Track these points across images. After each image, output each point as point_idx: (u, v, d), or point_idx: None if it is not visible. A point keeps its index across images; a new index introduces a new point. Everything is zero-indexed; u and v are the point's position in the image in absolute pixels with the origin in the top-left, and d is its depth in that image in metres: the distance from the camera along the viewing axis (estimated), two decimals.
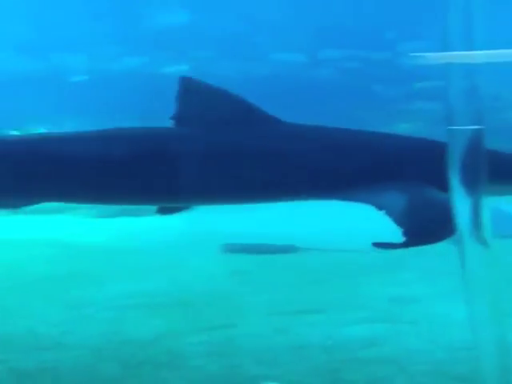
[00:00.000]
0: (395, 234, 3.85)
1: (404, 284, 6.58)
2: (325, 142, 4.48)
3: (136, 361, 4.84)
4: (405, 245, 3.83)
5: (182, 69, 17.55)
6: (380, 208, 4.02)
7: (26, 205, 4.63)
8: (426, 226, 3.89)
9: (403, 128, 16.44)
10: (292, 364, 4.72)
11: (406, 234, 3.84)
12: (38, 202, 4.54)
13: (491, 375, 3.56)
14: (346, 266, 7.51)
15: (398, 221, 3.89)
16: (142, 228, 10.03)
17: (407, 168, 4.30)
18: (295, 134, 4.46)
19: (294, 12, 20.47)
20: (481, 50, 3.68)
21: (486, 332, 3.60)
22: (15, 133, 7.81)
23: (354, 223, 9.25)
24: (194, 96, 4.47)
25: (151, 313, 5.96)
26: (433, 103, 18.22)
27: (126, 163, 4.34)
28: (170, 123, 4.52)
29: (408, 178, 4.20)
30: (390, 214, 3.94)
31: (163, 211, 4.93)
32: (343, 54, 20.00)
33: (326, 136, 4.57)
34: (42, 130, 11.68)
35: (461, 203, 3.49)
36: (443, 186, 3.90)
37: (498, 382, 3.52)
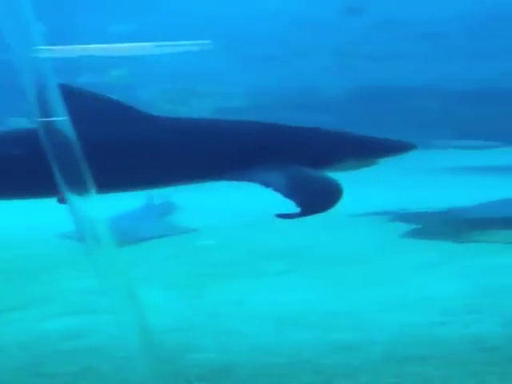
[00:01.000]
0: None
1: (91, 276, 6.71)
2: (206, 131, 4.89)
3: None
4: (301, 214, 4.36)
5: None
6: (266, 185, 4.52)
7: None
8: (315, 197, 4.45)
9: None
10: None
11: (299, 205, 4.35)
12: None
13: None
14: (31, 261, 7.48)
15: (289, 195, 4.40)
16: None
17: (283, 150, 4.70)
18: (177, 127, 4.90)
19: None
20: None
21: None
22: None
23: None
24: (77, 101, 4.67)
25: None
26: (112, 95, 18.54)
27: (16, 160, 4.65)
28: None
29: (284, 159, 4.59)
30: (277, 189, 4.44)
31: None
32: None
33: (206, 126, 4.99)
34: None
35: (73, 203, 3.70)
36: (314, 164, 4.43)
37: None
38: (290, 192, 4.41)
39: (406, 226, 8.55)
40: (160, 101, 19.68)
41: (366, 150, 5.05)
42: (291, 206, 4.32)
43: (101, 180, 4.74)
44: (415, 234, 8.23)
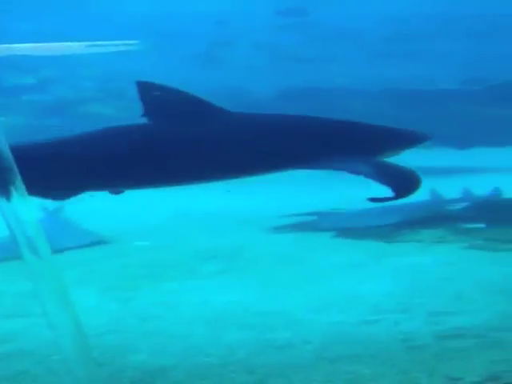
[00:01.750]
0: None
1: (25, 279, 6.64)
2: (294, 126, 5.60)
3: None
4: (395, 198, 5.06)
5: None
6: (356, 173, 5.27)
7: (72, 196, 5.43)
8: (406, 181, 5.14)
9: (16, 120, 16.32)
10: None
11: (393, 189, 5.04)
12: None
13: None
14: None
15: (381, 180, 5.09)
16: None
17: (355, 142, 5.55)
18: (267, 123, 5.63)
19: None
20: None
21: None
22: None
23: None
24: (154, 96, 5.43)
25: None
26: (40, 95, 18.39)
27: (121, 155, 5.22)
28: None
29: (358, 150, 5.46)
30: (368, 176, 5.16)
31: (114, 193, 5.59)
32: None
33: (293, 122, 5.67)
34: None
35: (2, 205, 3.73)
36: (374, 153, 5.39)
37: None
38: (382, 178, 5.08)
39: (338, 226, 8.69)
40: (90, 100, 19.48)
41: (404, 140, 5.78)
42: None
43: (187, 173, 5.36)
44: (346, 234, 8.37)
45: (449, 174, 13.14)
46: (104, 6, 23.05)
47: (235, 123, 5.54)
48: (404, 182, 5.07)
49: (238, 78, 20.57)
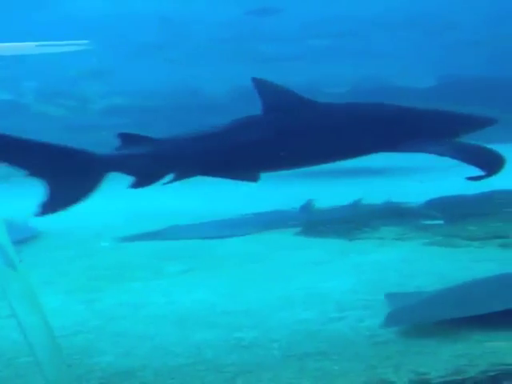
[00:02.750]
0: None
1: None
2: (376, 114, 6.38)
3: None
4: (487, 175, 5.64)
5: None
6: (441, 154, 5.85)
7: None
8: (494, 161, 5.67)
9: None
10: None
11: (484, 168, 5.59)
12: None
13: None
14: None
15: (469, 160, 5.68)
16: None
17: (442, 127, 6.17)
18: (350, 110, 6.47)
19: None
20: None
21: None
22: None
23: None
24: (268, 91, 6.32)
25: None
26: None
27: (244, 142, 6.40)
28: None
29: (444, 135, 6.07)
30: (454, 157, 5.78)
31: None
32: None
33: (384, 110, 6.45)
34: None
35: None
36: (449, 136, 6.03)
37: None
38: (470, 158, 5.70)
39: (300, 224, 8.74)
40: (37, 100, 19.26)
41: (477, 122, 6.35)
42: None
43: (289, 160, 6.46)
44: (309, 232, 8.42)
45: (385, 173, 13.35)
46: (50, 6, 22.85)
47: (331, 112, 6.36)
48: (492, 161, 5.47)
49: (191, 78, 20.51)
